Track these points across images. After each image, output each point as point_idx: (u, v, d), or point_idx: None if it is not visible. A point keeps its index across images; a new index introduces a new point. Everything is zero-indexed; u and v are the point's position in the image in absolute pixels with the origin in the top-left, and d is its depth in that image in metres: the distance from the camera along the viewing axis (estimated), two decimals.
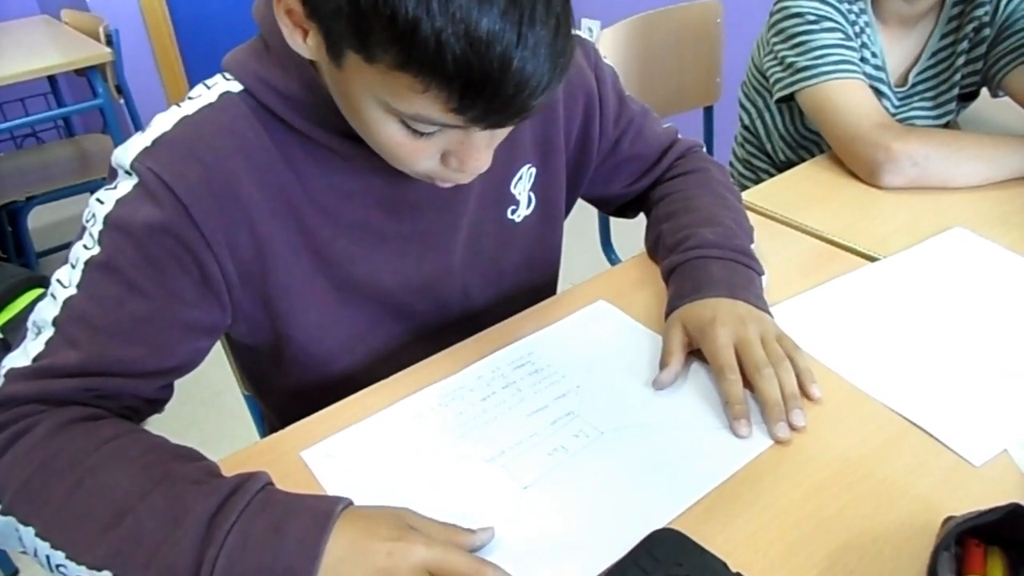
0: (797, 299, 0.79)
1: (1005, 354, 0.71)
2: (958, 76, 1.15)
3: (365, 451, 0.64)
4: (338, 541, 0.50)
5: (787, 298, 0.79)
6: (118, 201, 0.59)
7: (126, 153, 0.60)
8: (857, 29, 1.11)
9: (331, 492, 0.60)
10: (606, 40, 1.39)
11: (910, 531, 0.54)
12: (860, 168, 1.03)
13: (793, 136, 1.27)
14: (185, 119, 0.61)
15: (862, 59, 1.11)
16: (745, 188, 1.03)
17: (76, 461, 0.54)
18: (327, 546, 0.49)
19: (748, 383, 0.66)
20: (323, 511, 0.51)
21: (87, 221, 0.61)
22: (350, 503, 0.53)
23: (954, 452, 0.61)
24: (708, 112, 1.64)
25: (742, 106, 1.35)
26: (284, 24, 0.54)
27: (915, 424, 0.63)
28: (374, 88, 0.52)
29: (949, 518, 0.52)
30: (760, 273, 0.78)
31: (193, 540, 0.49)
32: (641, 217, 0.95)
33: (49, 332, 0.59)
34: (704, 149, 0.94)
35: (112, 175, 0.62)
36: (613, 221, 1.42)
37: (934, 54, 1.15)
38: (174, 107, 0.62)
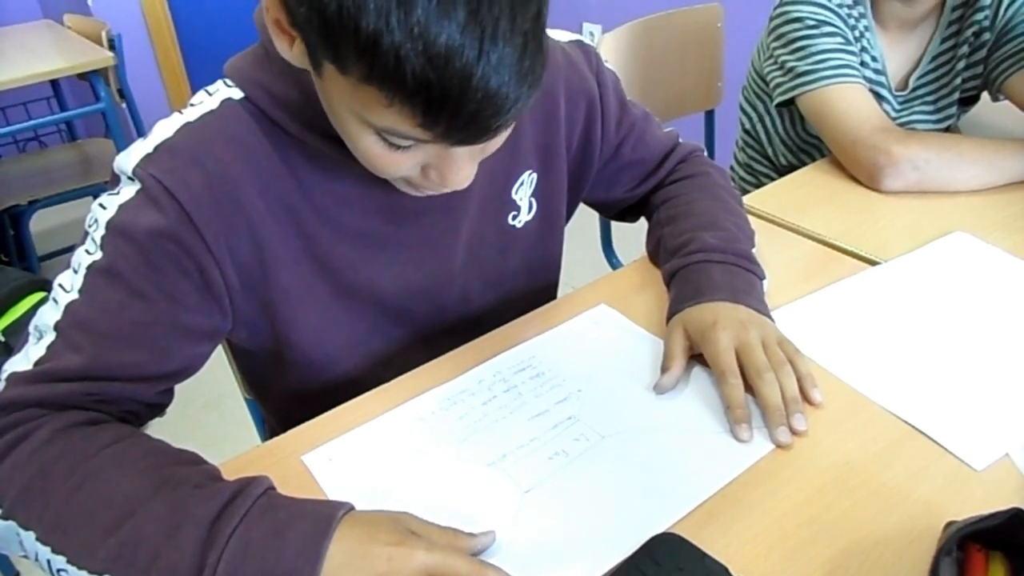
0: (798, 303, 0.79)
1: (1006, 358, 0.71)
2: (958, 80, 1.15)
3: (366, 455, 0.64)
4: (339, 546, 0.50)
5: (788, 302, 0.79)
6: (121, 206, 0.60)
7: (128, 159, 0.60)
8: (857, 33, 1.11)
9: (332, 496, 0.60)
10: (607, 44, 1.39)
11: (911, 536, 0.54)
12: (861, 172, 1.03)
13: (794, 140, 1.27)
14: (187, 126, 0.62)
15: (862, 63, 1.11)
16: (746, 192, 1.04)
17: (77, 465, 0.54)
18: (328, 551, 0.49)
19: (749, 387, 0.66)
20: (324, 516, 0.51)
21: (90, 226, 0.61)
22: (351, 508, 0.53)
23: (955, 456, 0.61)
24: (709, 116, 1.65)
25: (743, 110, 1.35)
26: (273, 32, 0.54)
27: (916, 428, 0.63)
28: (348, 100, 0.52)
29: (951, 523, 0.52)
30: (761, 277, 0.78)
31: (194, 544, 0.49)
32: (642, 221, 0.95)
33: (51, 336, 0.59)
34: (705, 153, 0.94)
35: (115, 181, 0.62)
36: (614, 225, 1.42)
37: (934, 58, 1.15)
38: (176, 114, 0.63)
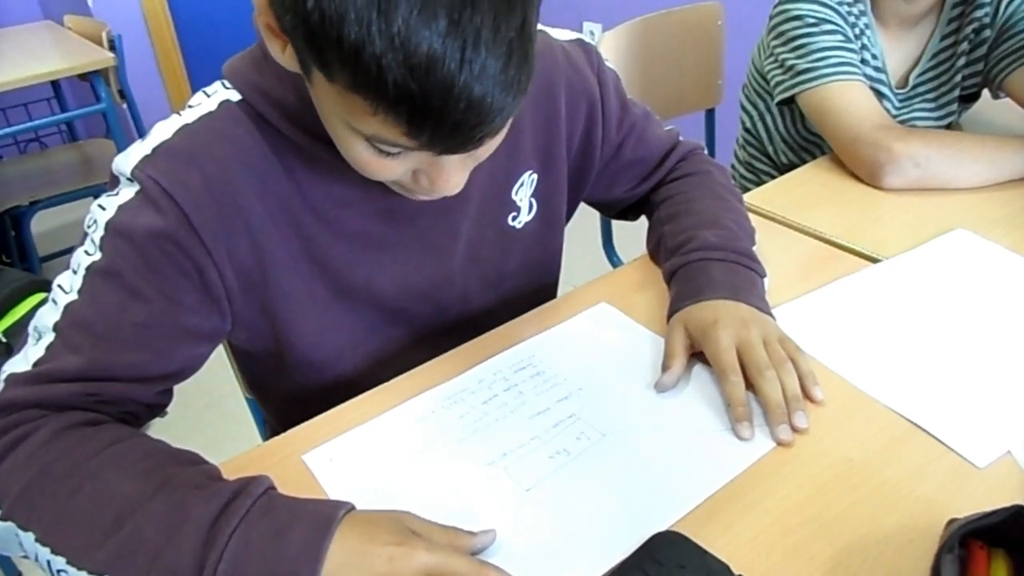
0: (799, 301, 0.79)
1: (1008, 355, 0.70)
2: (959, 77, 1.15)
3: (367, 454, 0.64)
4: (340, 546, 0.50)
5: (789, 300, 0.79)
6: (120, 207, 0.60)
7: (127, 161, 0.60)
8: (857, 31, 1.11)
9: (333, 495, 0.60)
10: (607, 43, 1.39)
11: (913, 533, 0.54)
12: (862, 170, 1.03)
13: (794, 138, 1.27)
14: (185, 127, 0.62)
15: (862, 61, 1.11)
16: (747, 190, 1.03)
17: (76, 466, 0.54)
18: (329, 551, 0.49)
19: (750, 385, 0.66)
20: (325, 516, 0.51)
21: (89, 227, 0.61)
22: (352, 508, 0.53)
23: (957, 454, 0.61)
24: (710, 115, 1.64)
25: (743, 108, 1.35)
26: (266, 35, 0.54)
27: (918, 426, 0.63)
28: (336, 107, 0.52)
29: (952, 520, 0.52)
30: (762, 275, 0.77)
31: (195, 544, 0.49)
32: (643, 219, 0.95)
33: (50, 337, 0.59)
34: (706, 151, 0.94)
35: (114, 182, 0.62)
36: (615, 223, 1.42)
37: (935, 55, 1.15)
38: (174, 115, 0.63)
